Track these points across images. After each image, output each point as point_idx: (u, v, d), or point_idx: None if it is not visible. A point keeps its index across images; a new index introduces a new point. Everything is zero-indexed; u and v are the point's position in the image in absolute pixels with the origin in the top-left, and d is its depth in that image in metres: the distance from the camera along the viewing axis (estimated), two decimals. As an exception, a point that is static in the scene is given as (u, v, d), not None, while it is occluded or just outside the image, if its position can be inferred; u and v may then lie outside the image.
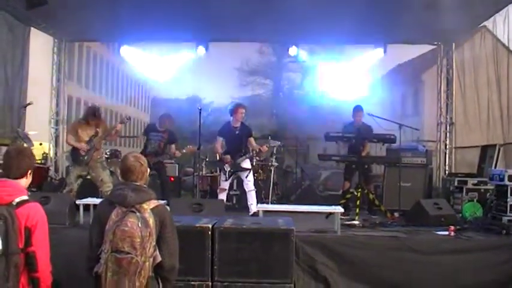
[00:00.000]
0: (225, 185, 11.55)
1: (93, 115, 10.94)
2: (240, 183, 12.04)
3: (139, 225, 4.61)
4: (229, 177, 11.50)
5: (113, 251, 4.58)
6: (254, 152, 11.62)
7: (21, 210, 4.37)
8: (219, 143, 11.86)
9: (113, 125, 11.43)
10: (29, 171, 4.66)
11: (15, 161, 4.59)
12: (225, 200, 11.22)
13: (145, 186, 4.98)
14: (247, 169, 11.44)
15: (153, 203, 4.83)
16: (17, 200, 4.42)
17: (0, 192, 4.41)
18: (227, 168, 11.41)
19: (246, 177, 11.40)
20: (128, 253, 4.55)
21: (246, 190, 11.42)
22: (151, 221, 4.69)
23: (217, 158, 12.22)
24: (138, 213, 4.67)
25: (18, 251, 4.33)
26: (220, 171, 11.90)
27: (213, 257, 7.30)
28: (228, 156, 11.43)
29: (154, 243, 4.72)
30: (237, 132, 11.56)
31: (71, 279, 6.51)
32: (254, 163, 12.97)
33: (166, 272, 4.85)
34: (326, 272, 8.06)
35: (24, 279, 4.45)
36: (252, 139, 11.62)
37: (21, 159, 4.61)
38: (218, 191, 11.71)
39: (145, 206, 4.75)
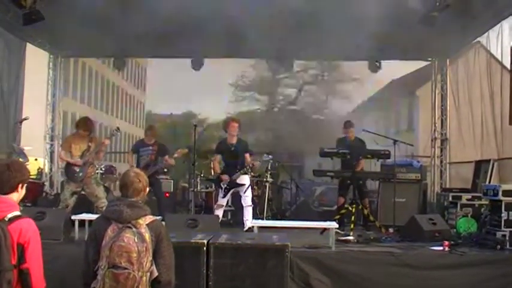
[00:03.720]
0: (223, 201, 11.51)
1: (86, 125, 10.91)
2: (235, 199, 12.03)
3: (136, 240, 4.62)
4: (226, 194, 11.48)
5: (110, 267, 4.57)
6: (248, 167, 11.59)
7: (13, 226, 4.30)
8: (217, 160, 11.86)
9: (103, 139, 11.40)
10: (20, 185, 4.58)
11: (4, 176, 4.53)
12: (221, 216, 11.21)
13: (140, 202, 4.99)
14: (243, 185, 11.44)
15: (149, 219, 4.83)
16: (9, 215, 4.34)
17: None
18: (224, 185, 11.41)
19: (244, 192, 11.38)
20: (125, 268, 4.54)
21: (244, 205, 11.39)
22: (147, 236, 4.70)
23: (213, 174, 12.20)
24: (134, 229, 4.67)
25: (11, 267, 4.25)
26: (217, 188, 11.86)
27: (208, 273, 7.29)
28: (226, 176, 11.42)
29: (151, 258, 4.71)
30: (232, 148, 11.54)
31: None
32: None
33: (163, 287, 4.86)
34: (320, 287, 8.06)
35: None
36: (247, 155, 11.60)
37: (10, 174, 4.54)
38: (215, 207, 11.68)
39: (141, 221, 4.75)
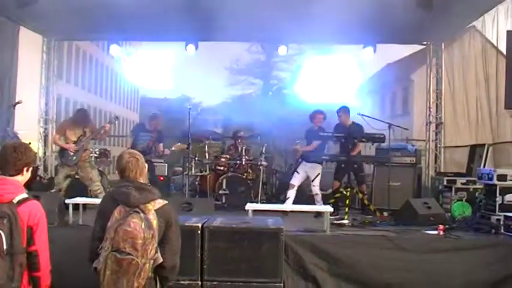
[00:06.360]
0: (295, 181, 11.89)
1: (82, 118, 11.03)
2: (230, 182, 12.02)
3: (143, 226, 4.54)
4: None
5: (113, 250, 4.51)
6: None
7: (22, 209, 4.33)
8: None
9: (101, 125, 11.48)
10: (25, 168, 4.58)
11: (10, 158, 4.52)
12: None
13: (149, 184, 4.94)
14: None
15: (158, 203, 4.76)
16: (18, 198, 4.37)
17: (0, 190, 4.36)
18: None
19: (312, 180, 11.78)
20: (129, 254, 4.48)
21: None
22: (155, 222, 4.63)
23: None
24: (142, 214, 4.59)
25: (23, 250, 4.30)
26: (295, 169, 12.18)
27: (203, 256, 7.31)
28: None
29: (156, 245, 4.65)
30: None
31: (60, 278, 6.48)
32: (243, 162, 12.96)
33: (167, 272, 4.83)
34: (315, 271, 8.07)
35: (25, 279, 4.41)
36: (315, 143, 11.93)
37: (16, 156, 4.52)
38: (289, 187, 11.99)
39: (149, 206, 4.68)
